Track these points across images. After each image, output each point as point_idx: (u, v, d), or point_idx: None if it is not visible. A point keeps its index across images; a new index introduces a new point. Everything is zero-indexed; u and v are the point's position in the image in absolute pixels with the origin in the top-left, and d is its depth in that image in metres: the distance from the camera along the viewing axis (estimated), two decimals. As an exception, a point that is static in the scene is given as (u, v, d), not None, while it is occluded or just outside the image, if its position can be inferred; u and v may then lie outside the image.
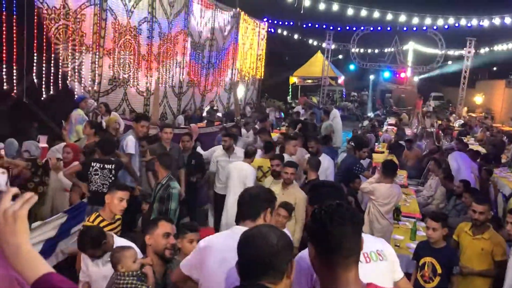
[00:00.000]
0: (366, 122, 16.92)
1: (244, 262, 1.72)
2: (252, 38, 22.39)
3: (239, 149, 6.96)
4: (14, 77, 9.03)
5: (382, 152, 11.98)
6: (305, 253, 2.05)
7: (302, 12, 16.76)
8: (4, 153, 5.98)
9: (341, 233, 1.53)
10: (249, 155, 6.20)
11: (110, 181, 4.98)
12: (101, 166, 5.01)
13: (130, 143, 5.57)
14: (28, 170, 5.30)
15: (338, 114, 15.69)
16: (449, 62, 27.01)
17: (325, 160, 6.51)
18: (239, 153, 6.74)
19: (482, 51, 24.66)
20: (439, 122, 20.07)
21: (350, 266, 1.56)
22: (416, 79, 31.37)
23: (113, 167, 5.04)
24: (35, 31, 9.32)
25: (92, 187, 5.06)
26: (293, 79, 29.46)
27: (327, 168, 6.52)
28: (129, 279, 2.80)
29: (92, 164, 5.01)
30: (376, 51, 28.72)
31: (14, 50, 8.92)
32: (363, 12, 17.95)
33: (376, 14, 18.07)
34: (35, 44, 9.39)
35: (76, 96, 9.73)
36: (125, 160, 5.51)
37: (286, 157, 6.22)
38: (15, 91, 9.10)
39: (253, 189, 2.68)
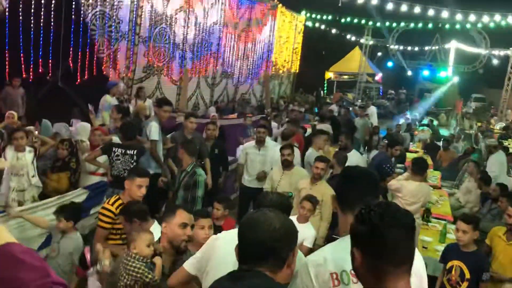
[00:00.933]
0: (402, 121, 16.46)
1: (244, 246, 1.62)
2: (288, 31, 22.14)
3: (270, 141, 6.82)
4: (50, 62, 9.19)
5: (417, 152, 11.62)
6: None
7: (340, 5, 16.41)
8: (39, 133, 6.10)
9: (394, 237, 1.34)
10: (285, 137, 6.10)
11: (132, 166, 4.94)
12: (123, 152, 4.98)
13: (153, 129, 5.53)
14: (64, 150, 5.35)
15: (375, 112, 15.40)
16: (494, 62, 25.92)
17: (354, 156, 6.31)
18: (270, 146, 6.56)
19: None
20: (479, 124, 19.40)
21: (402, 275, 1.37)
22: (457, 79, 30.31)
23: (135, 153, 5.00)
24: (73, 16, 9.47)
25: (114, 171, 5.05)
26: (329, 74, 29.04)
27: (355, 164, 6.33)
28: (137, 263, 2.74)
29: (114, 149, 5.00)
30: (416, 48, 27.94)
31: (51, 34, 9.07)
32: (404, 7, 17.38)
33: (417, 10, 17.46)
34: (72, 29, 9.54)
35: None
36: (148, 146, 5.48)
37: (314, 151, 6.08)
38: (50, 75, 9.26)
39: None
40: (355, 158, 6.35)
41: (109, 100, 7.77)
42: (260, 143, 6.53)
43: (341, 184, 2.15)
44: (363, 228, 1.38)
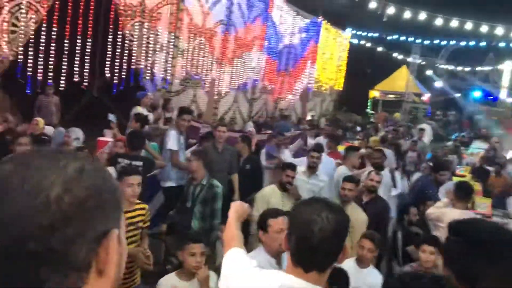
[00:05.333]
0: (449, 143, 15.53)
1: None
2: (333, 48, 21.70)
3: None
4: (86, 71, 9.20)
5: (464, 176, 10.77)
6: None
7: (385, 19, 15.83)
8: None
9: None
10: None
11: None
12: (129, 163, 4.68)
13: (171, 137, 5.25)
14: None
15: (429, 130, 14.75)
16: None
17: (385, 177, 5.78)
18: (321, 176, 5.78)
19: None
20: (535, 149, 18.08)
21: None
22: (510, 100, 28.72)
23: (141, 164, 4.70)
24: (111, 26, 9.48)
25: None
26: (374, 93, 28.27)
27: (387, 185, 5.79)
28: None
29: (119, 160, 4.72)
30: (467, 68, 26.73)
31: (88, 44, 9.08)
32: (454, 23, 16.53)
33: (469, 26, 16.55)
34: (109, 40, 9.54)
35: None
36: (159, 163, 5.18)
37: (346, 170, 5.57)
38: (85, 85, 9.27)
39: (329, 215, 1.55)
40: (388, 178, 5.82)
41: (139, 110, 7.61)
42: (311, 170, 5.70)
43: (465, 256, 1.34)
44: None
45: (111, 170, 4.77)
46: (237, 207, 2.10)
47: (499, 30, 16.78)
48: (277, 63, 16.54)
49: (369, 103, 29.02)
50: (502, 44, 20.75)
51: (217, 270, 4.19)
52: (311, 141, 9.87)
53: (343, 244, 1.58)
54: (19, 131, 5.71)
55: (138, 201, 3.66)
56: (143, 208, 3.71)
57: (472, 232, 1.35)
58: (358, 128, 19.06)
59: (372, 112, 26.99)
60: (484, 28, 16.74)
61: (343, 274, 2.95)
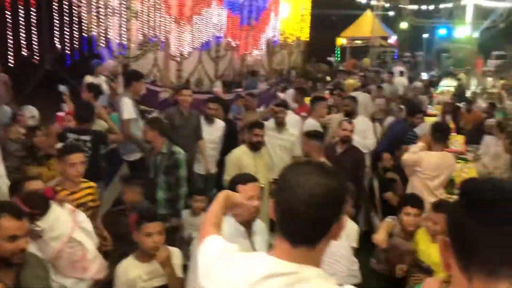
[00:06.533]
0: (418, 84, 15.50)
1: None
2: (295, -3, 21.05)
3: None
4: (34, 44, 8.57)
5: (436, 115, 10.77)
6: None
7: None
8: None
9: None
10: None
11: (87, 155, 4.28)
12: (76, 138, 4.34)
13: (126, 106, 4.89)
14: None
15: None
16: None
17: (361, 124, 5.61)
18: (291, 130, 5.61)
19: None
20: (502, 82, 18.33)
21: None
22: (476, 36, 28.84)
23: (89, 139, 4.35)
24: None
25: None
26: (341, 41, 27.92)
27: (364, 131, 5.63)
28: None
29: (68, 135, 4.37)
30: (431, 7, 26.51)
31: (32, 15, 8.41)
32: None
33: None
34: (54, 8, 8.87)
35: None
36: (114, 137, 4.82)
37: (314, 122, 5.36)
38: (35, 57, 8.66)
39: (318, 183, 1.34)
40: (362, 126, 5.63)
41: (90, 80, 7.14)
42: (281, 125, 5.54)
43: (464, 223, 1.04)
44: None
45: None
46: (227, 196, 1.91)
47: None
48: (239, 18, 15.94)
49: (337, 52, 28.71)
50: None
51: (185, 242, 4.00)
52: (281, 95, 9.62)
53: (338, 215, 1.33)
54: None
55: (84, 180, 3.42)
56: (91, 187, 3.49)
57: (477, 190, 1.05)
58: (328, 78, 18.89)
59: (338, 62, 26.78)
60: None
61: None
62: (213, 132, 5.85)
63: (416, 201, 3.65)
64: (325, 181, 1.31)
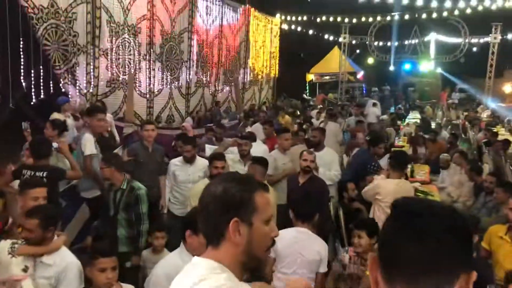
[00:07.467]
0: (385, 116, 15.90)
1: None
2: (264, 35, 21.59)
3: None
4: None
5: (403, 147, 11.00)
6: None
7: (310, 1, 15.86)
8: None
9: None
10: None
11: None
12: (32, 174, 4.23)
13: (87, 142, 4.82)
14: None
15: (374, 111, 15.05)
16: (474, 50, 25.51)
17: (327, 155, 5.67)
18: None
19: (510, 36, 23.15)
20: (466, 113, 18.98)
21: None
22: (439, 70, 29.96)
23: (45, 175, 4.22)
24: (21, 31, 8.74)
25: None
26: (310, 77, 28.55)
27: (330, 163, 5.68)
28: None
29: (23, 172, 4.26)
30: (396, 43, 27.53)
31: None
32: (376, -1, 16.85)
33: (391, 0, 16.92)
34: (21, 46, 8.82)
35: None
36: (72, 173, 4.70)
37: (277, 153, 5.41)
38: (-1, 95, 8.52)
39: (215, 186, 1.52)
40: (328, 157, 5.69)
41: (56, 117, 7.04)
42: (245, 158, 5.53)
43: (390, 235, 1.06)
44: None
45: (16, 183, 4.32)
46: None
47: (419, 2, 17.26)
48: (209, 55, 16.18)
49: (307, 87, 29.27)
50: (424, 16, 21.40)
51: (143, 281, 3.89)
52: (248, 130, 9.68)
53: (226, 217, 1.43)
54: None
55: None
56: None
57: (406, 204, 1.09)
58: (298, 113, 19.16)
59: (309, 97, 27.28)
60: (405, 1, 17.16)
61: None
62: (194, 172, 5.42)
63: (361, 224, 3.73)
64: (221, 185, 1.46)
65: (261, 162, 4.69)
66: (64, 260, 2.90)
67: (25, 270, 2.87)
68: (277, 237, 1.53)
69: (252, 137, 6.22)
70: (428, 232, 0.99)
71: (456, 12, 20.34)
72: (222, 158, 4.69)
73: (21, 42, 8.80)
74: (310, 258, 3.47)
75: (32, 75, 9.11)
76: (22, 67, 8.91)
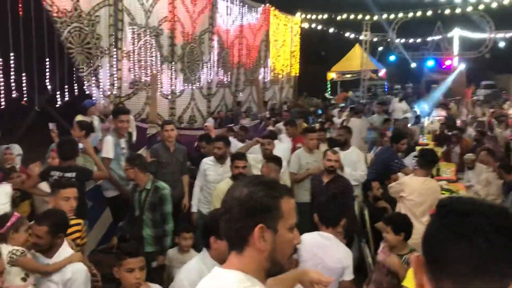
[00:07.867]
0: (409, 114, 15.66)
1: None
2: (284, 34, 21.53)
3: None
4: (24, 86, 8.62)
5: (427, 145, 10.81)
6: None
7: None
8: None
9: None
10: None
11: None
12: (61, 175, 4.28)
13: (106, 145, 4.86)
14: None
15: (399, 108, 15.08)
16: (500, 45, 24.89)
17: (353, 154, 5.61)
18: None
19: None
20: (492, 110, 18.52)
21: None
22: (463, 67, 29.38)
23: (74, 175, 4.27)
24: (46, 35, 8.91)
25: None
26: (331, 75, 28.35)
27: (356, 162, 5.61)
28: None
29: (51, 173, 4.32)
30: (418, 40, 27.13)
31: (22, 57, 8.51)
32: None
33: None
34: (46, 50, 8.99)
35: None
36: (98, 173, 4.75)
37: (301, 151, 5.36)
38: (25, 99, 8.70)
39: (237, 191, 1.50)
40: (354, 156, 5.63)
41: (80, 119, 7.14)
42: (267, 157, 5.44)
43: (437, 235, 1.01)
44: None
45: (44, 185, 4.39)
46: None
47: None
48: (230, 56, 16.22)
49: (328, 86, 29.08)
50: (447, 11, 21.00)
51: (170, 280, 3.90)
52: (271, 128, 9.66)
53: (251, 223, 1.39)
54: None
55: (72, 217, 3.32)
56: (79, 224, 3.38)
57: (453, 203, 1.04)
58: (320, 111, 19.06)
59: (331, 96, 27.10)
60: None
61: None
62: (225, 172, 5.20)
63: (391, 219, 3.70)
64: (247, 189, 1.43)
65: (276, 160, 4.69)
66: (72, 267, 2.91)
67: (24, 279, 2.89)
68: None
69: (273, 135, 6.20)
70: (477, 231, 0.94)
71: (481, 7, 19.91)
72: (243, 158, 4.67)
73: (46, 46, 8.97)
74: (331, 265, 3.39)
75: (57, 78, 9.29)
76: (47, 70, 9.07)
